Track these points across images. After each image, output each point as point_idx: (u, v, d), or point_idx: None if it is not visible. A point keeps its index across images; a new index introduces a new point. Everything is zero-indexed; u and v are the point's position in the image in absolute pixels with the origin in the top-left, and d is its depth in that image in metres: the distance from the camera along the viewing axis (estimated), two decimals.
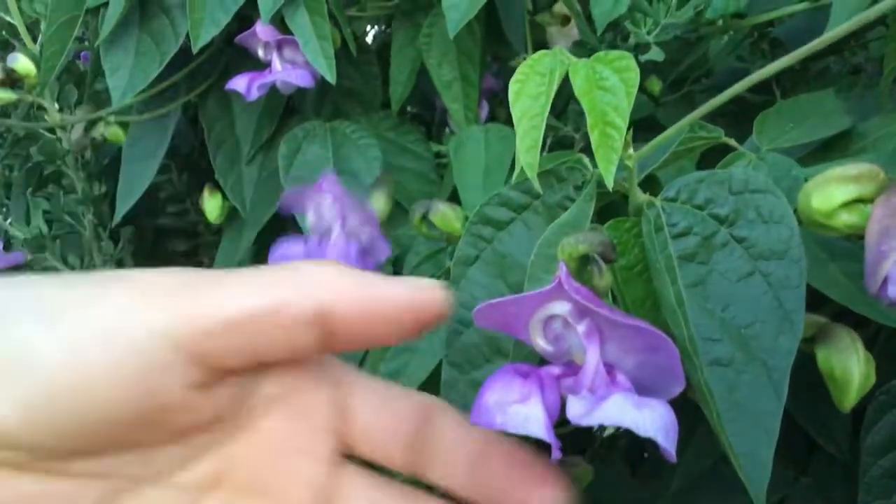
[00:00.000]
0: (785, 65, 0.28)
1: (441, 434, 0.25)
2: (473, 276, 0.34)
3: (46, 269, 0.65)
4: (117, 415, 0.21)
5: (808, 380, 0.41)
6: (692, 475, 0.47)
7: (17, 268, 0.63)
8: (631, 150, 0.30)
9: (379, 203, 0.52)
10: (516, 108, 0.28)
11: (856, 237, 0.36)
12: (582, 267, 0.26)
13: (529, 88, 0.28)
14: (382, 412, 0.25)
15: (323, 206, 0.49)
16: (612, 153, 0.27)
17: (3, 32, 0.73)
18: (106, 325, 0.21)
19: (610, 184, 0.27)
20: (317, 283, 0.22)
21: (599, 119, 0.27)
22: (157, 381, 0.21)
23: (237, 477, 0.24)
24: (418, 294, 0.23)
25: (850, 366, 0.36)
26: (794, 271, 0.30)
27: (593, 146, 0.27)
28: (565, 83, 0.66)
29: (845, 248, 0.38)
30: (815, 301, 0.40)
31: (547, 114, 0.27)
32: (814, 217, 0.34)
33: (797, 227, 0.31)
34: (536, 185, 0.28)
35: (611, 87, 0.28)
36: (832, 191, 0.33)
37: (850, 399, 0.36)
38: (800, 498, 0.46)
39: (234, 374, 0.23)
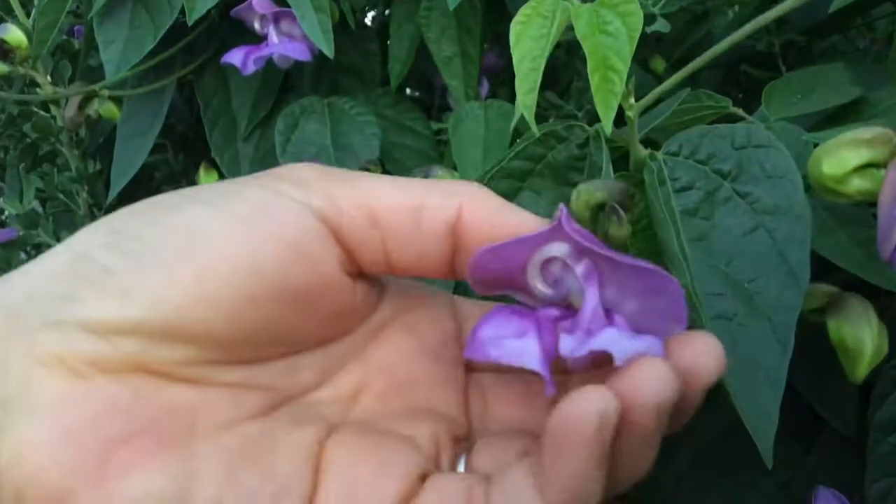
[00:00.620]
0: (789, 8, 0.27)
1: None
2: None
3: (38, 245, 0.64)
4: (283, 288, 0.21)
5: (814, 354, 0.40)
6: (699, 448, 0.46)
7: (10, 244, 0.62)
8: (632, 100, 0.29)
9: None
10: (517, 50, 0.27)
11: (867, 203, 0.34)
12: (597, 216, 0.25)
13: (531, 30, 0.27)
14: None
15: None
16: (611, 97, 0.26)
17: None
18: (266, 203, 0.21)
19: (608, 128, 0.26)
20: (460, 192, 0.23)
21: (600, 63, 0.26)
22: (316, 251, 0.22)
23: (376, 387, 0.24)
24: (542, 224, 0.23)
25: (862, 336, 0.35)
26: (798, 226, 0.29)
27: (593, 90, 0.26)
28: (569, 58, 0.65)
29: (854, 214, 0.37)
30: (825, 272, 0.39)
31: (547, 55, 0.26)
32: (825, 183, 0.32)
33: (801, 181, 0.30)
34: (534, 128, 0.27)
35: (614, 31, 0.27)
36: (844, 155, 0.32)
37: (862, 370, 0.35)
38: (806, 476, 0.45)
39: (363, 277, 0.24)
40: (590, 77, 0.26)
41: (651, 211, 0.29)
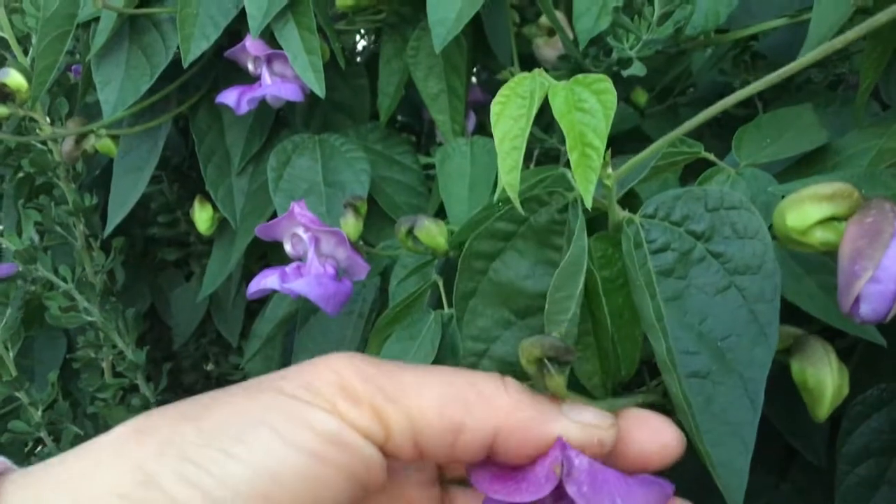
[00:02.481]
0: (766, 85, 0.29)
1: None
2: (475, 307, 0.35)
3: (36, 280, 0.66)
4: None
5: (786, 388, 0.42)
6: (680, 479, 0.48)
7: (9, 279, 0.63)
8: (610, 170, 0.31)
9: (348, 226, 0.53)
10: (497, 130, 0.29)
11: (832, 253, 0.36)
12: (541, 367, 0.27)
13: (510, 110, 0.29)
14: None
15: (296, 233, 0.50)
16: (591, 173, 0.28)
17: None
18: (331, 445, 0.22)
19: (589, 204, 0.28)
20: (499, 409, 0.25)
21: (578, 140, 0.28)
22: (371, 483, 0.24)
23: None
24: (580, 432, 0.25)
25: (823, 377, 0.37)
26: (768, 285, 0.31)
27: (573, 167, 0.28)
28: (549, 112, 0.67)
29: (820, 261, 0.39)
30: (795, 316, 0.41)
31: (527, 135, 0.28)
32: (789, 235, 0.34)
33: (771, 242, 0.32)
34: (518, 206, 0.29)
35: (589, 108, 0.29)
36: (807, 209, 0.34)
37: (824, 410, 0.37)
38: (780, 503, 0.47)
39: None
40: (569, 154, 0.28)
41: (628, 274, 0.31)
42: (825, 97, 0.55)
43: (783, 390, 0.43)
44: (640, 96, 0.71)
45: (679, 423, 0.31)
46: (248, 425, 0.21)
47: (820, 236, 0.34)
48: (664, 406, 0.49)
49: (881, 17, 0.32)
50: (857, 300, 0.31)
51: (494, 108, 0.29)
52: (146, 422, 0.22)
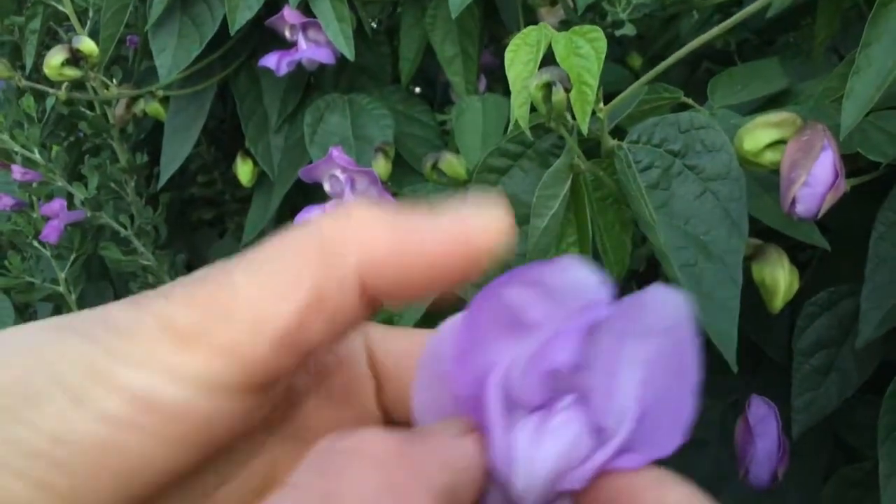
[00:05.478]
0: (731, 25, 0.37)
1: None
2: None
3: (101, 227, 0.74)
4: (173, 467, 0.18)
5: (753, 299, 0.51)
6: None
7: (78, 224, 0.72)
8: (602, 104, 0.39)
9: (379, 167, 0.62)
10: (511, 73, 0.36)
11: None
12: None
13: (521, 56, 0.37)
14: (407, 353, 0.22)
15: (335, 174, 0.59)
16: (586, 105, 0.36)
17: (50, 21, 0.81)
18: (141, 391, 0.17)
19: (585, 131, 0.36)
20: (349, 248, 0.18)
21: (576, 79, 0.36)
22: (215, 421, 0.18)
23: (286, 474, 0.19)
24: (466, 229, 0.19)
25: (777, 275, 0.45)
26: (735, 187, 0.39)
27: (571, 101, 0.36)
28: (552, 59, 0.75)
29: (775, 182, 0.47)
30: (758, 235, 0.49)
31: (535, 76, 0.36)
32: (745, 156, 0.43)
33: (735, 153, 0.40)
34: (528, 133, 0.37)
35: (584, 53, 0.37)
36: (759, 134, 0.42)
37: (778, 301, 0.46)
38: (749, 397, 0.56)
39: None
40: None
41: (624, 189, 0.39)
42: (792, 51, 0.62)
43: (750, 301, 0.51)
44: (635, 60, 0.79)
45: None
46: (45, 384, 0.17)
47: (770, 156, 0.43)
48: None
49: None
50: (793, 201, 0.39)
51: (508, 54, 0.37)
52: None
